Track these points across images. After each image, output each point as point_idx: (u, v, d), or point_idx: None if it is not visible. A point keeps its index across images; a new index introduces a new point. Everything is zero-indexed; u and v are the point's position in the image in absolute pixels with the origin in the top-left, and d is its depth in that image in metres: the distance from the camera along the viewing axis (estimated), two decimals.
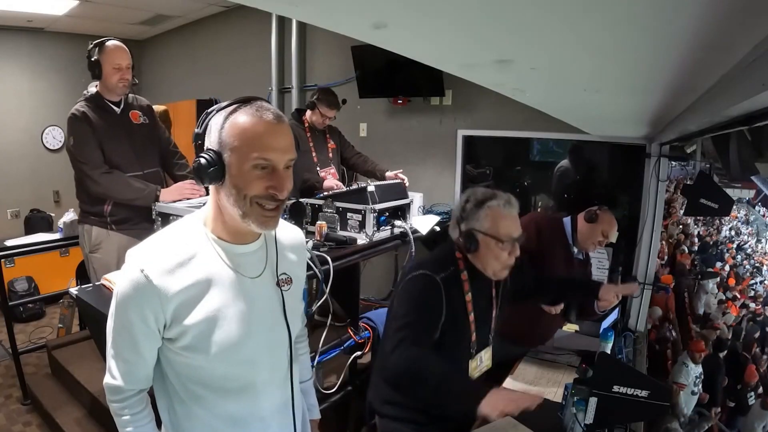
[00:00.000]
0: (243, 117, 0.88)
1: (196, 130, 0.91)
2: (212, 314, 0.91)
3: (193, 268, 0.90)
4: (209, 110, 0.92)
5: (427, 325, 1.36)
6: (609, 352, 1.94)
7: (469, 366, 1.47)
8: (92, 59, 2.13)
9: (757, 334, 2.70)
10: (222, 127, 0.88)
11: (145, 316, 0.88)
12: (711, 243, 3.30)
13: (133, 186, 2.16)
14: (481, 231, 1.40)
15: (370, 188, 2.29)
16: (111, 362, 0.93)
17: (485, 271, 1.43)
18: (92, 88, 2.22)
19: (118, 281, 0.90)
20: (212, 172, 0.87)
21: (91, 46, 2.14)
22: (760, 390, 2.47)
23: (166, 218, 2.04)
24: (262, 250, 0.99)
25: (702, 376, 2.34)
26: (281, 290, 1.00)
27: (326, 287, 1.81)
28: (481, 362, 1.52)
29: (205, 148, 0.89)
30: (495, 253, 1.40)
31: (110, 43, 2.15)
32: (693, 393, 2.29)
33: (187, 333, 0.90)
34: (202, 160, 0.87)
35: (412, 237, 2.41)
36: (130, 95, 2.30)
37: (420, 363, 1.29)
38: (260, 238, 0.99)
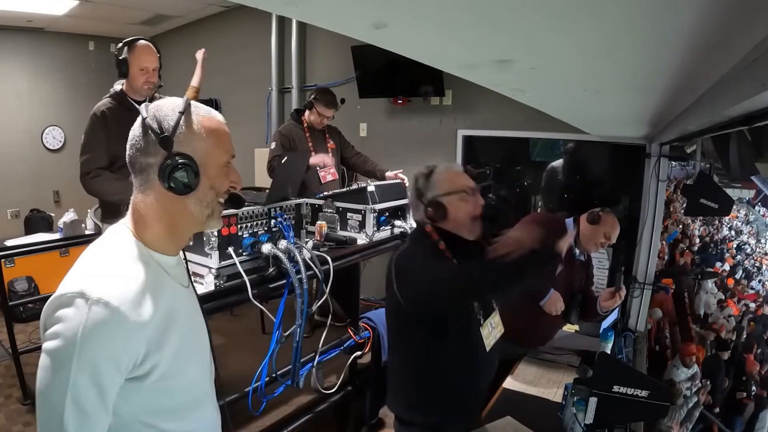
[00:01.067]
0: (204, 116, 0.86)
1: (164, 135, 0.81)
2: (176, 334, 0.84)
3: (151, 292, 0.81)
4: (161, 113, 0.83)
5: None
6: (609, 352, 1.94)
7: (482, 335, 1.47)
8: (120, 57, 2.14)
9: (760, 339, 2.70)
10: (191, 129, 0.83)
11: (120, 360, 0.75)
12: (711, 243, 3.30)
13: (112, 190, 2.11)
14: (443, 193, 1.45)
15: (370, 188, 2.29)
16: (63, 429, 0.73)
17: (460, 232, 1.46)
18: (118, 86, 2.23)
19: (69, 326, 0.73)
20: (197, 177, 0.83)
21: (121, 44, 2.15)
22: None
23: None
24: (181, 259, 0.96)
25: (697, 380, 2.33)
26: (196, 294, 1.01)
27: (326, 287, 1.81)
28: (492, 328, 1.52)
29: (173, 152, 0.81)
30: (462, 207, 1.44)
31: (140, 43, 2.15)
32: (685, 396, 2.29)
33: (160, 363, 0.81)
34: (186, 168, 0.81)
35: (408, 241, 2.41)
36: (156, 95, 2.30)
37: (462, 272, 1.37)
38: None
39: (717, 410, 2.40)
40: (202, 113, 0.86)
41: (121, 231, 0.87)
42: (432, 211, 1.45)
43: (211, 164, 0.85)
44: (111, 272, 0.79)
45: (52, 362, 0.74)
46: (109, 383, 0.75)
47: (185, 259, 0.98)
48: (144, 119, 0.82)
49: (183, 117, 0.83)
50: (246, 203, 1.77)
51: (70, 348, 0.72)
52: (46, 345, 0.74)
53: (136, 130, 0.84)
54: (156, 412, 0.85)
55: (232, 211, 1.66)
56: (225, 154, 0.87)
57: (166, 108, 0.83)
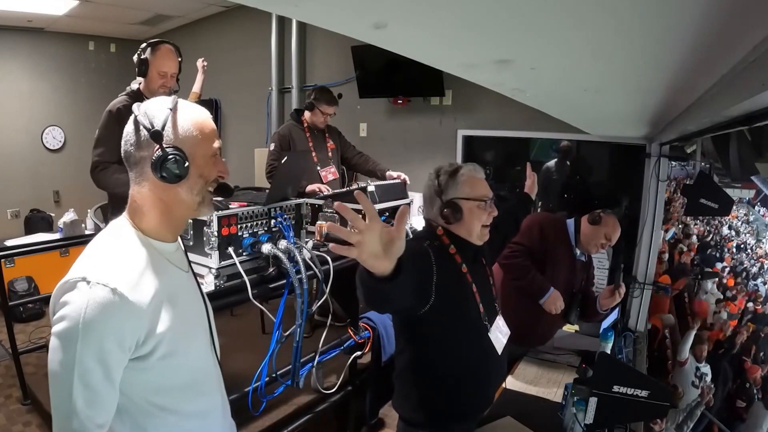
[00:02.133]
0: (191, 112, 0.92)
1: (155, 128, 0.87)
2: (176, 314, 0.90)
3: (150, 274, 0.87)
4: (152, 111, 0.90)
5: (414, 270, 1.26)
6: (609, 352, 1.94)
7: (491, 339, 1.47)
8: (141, 57, 2.15)
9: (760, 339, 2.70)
10: (179, 124, 0.90)
11: (123, 338, 0.81)
12: (711, 243, 3.30)
13: (118, 181, 2.10)
14: (462, 197, 1.45)
15: (370, 188, 2.28)
16: (77, 410, 0.79)
17: (470, 238, 1.46)
18: (135, 85, 2.25)
19: (73, 307, 0.78)
20: (187, 167, 0.89)
21: (145, 44, 2.17)
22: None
23: None
24: (180, 245, 1.02)
25: (706, 376, 2.34)
26: (196, 279, 1.05)
27: (326, 287, 1.81)
28: (499, 332, 1.51)
29: (163, 145, 0.87)
30: (477, 215, 1.45)
31: (163, 47, 2.17)
32: (694, 385, 2.29)
33: (162, 341, 0.86)
34: (177, 157, 0.87)
35: (412, 237, 2.41)
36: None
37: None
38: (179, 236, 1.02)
39: (716, 412, 2.40)
40: (190, 110, 0.93)
41: (121, 222, 0.93)
42: (449, 212, 1.44)
43: (198, 155, 0.91)
44: (111, 258, 0.85)
45: (60, 343, 0.79)
46: (113, 362, 0.81)
47: (184, 246, 1.04)
48: (136, 117, 0.89)
49: (171, 113, 0.90)
50: (246, 203, 1.78)
51: (75, 328, 0.78)
52: (55, 328, 0.80)
53: (129, 126, 0.91)
54: (164, 391, 0.90)
55: (232, 211, 1.66)
56: (211, 146, 0.93)
57: (156, 106, 0.91)
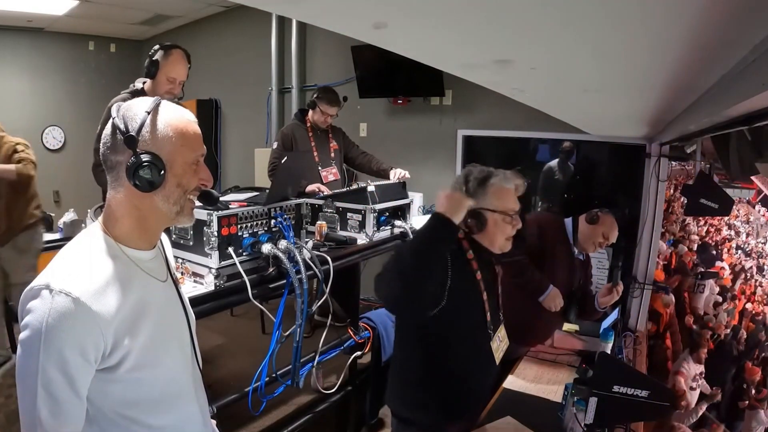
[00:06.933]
0: (171, 115, 0.87)
1: (129, 134, 0.82)
2: (147, 326, 0.86)
3: (120, 284, 0.83)
4: (130, 113, 0.85)
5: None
6: (609, 352, 1.94)
7: (491, 348, 1.46)
8: (153, 59, 2.13)
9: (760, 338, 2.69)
10: (158, 128, 0.85)
11: (85, 349, 0.77)
12: (711, 243, 3.30)
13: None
14: (489, 209, 1.42)
15: (370, 188, 2.29)
16: (41, 419, 0.77)
17: (491, 247, 1.45)
18: (139, 84, 2.21)
19: (36, 316, 0.76)
20: (162, 175, 0.84)
21: (158, 46, 2.15)
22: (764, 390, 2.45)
23: None
24: (159, 253, 0.97)
25: (702, 375, 2.34)
26: (178, 289, 1.01)
27: (326, 287, 1.81)
28: (500, 341, 1.51)
29: (138, 150, 0.82)
30: (501, 228, 1.42)
31: (176, 52, 2.15)
32: (692, 388, 2.30)
33: (130, 354, 0.83)
34: (152, 164, 0.82)
35: (412, 237, 2.41)
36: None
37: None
38: (158, 242, 0.97)
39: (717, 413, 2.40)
40: (171, 113, 0.87)
41: (93, 228, 0.89)
42: (473, 222, 1.42)
43: (177, 162, 0.86)
44: (77, 266, 0.82)
45: (23, 351, 0.78)
46: (77, 373, 0.78)
47: (164, 253, 0.99)
48: (113, 119, 0.85)
49: (150, 117, 0.84)
50: (246, 203, 1.78)
51: (37, 337, 0.76)
52: (20, 336, 0.79)
53: (107, 128, 0.86)
54: (134, 404, 0.87)
55: (232, 211, 1.66)
56: (193, 153, 0.88)
57: (135, 108, 0.85)
